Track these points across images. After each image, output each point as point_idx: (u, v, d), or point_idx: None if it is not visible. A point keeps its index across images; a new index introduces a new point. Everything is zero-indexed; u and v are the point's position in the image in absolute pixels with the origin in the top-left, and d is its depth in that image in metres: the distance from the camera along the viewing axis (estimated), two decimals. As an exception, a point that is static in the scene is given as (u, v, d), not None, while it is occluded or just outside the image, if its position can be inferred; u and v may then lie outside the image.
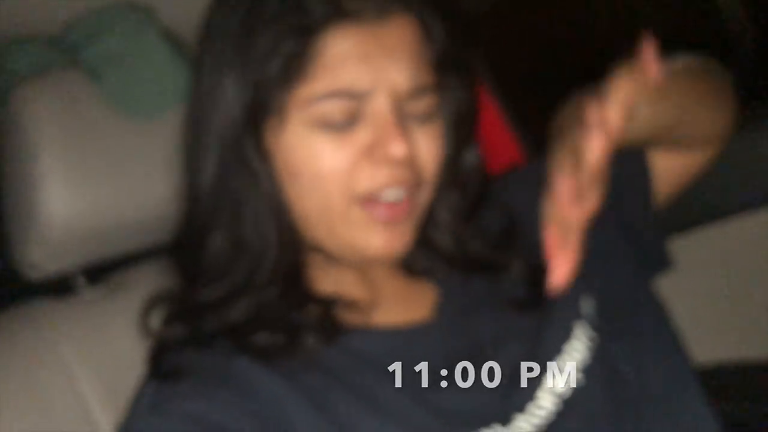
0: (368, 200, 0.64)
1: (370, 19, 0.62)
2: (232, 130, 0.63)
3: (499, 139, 1.18)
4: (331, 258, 0.68)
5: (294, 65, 0.61)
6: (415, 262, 0.75)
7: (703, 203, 1.02)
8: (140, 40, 0.87)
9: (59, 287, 0.90)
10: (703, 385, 0.75)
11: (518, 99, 1.21)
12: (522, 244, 0.75)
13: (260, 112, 0.63)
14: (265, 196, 0.64)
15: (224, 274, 0.65)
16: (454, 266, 0.75)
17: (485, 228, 0.75)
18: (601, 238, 0.77)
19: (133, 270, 0.92)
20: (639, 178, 0.79)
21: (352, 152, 0.63)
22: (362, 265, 0.71)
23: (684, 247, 0.93)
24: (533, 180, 0.82)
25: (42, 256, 0.82)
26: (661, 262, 0.84)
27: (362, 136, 0.63)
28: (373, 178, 0.63)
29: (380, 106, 0.62)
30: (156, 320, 0.70)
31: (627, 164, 0.78)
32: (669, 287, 0.85)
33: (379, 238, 0.65)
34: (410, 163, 0.64)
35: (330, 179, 0.63)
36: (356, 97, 0.62)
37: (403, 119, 0.63)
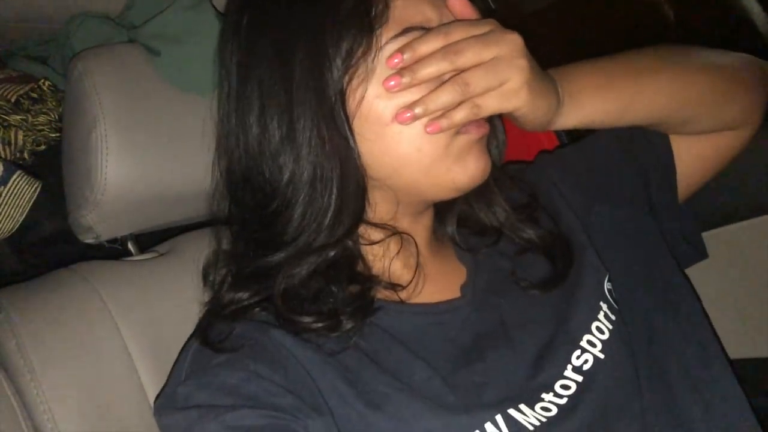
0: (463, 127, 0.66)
1: None
2: (323, 94, 0.63)
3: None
4: (407, 205, 0.70)
5: (372, 14, 0.63)
6: (447, 240, 0.78)
7: (741, 198, 1.01)
8: (196, 19, 0.89)
9: (110, 252, 0.94)
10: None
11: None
12: (546, 221, 0.77)
13: (347, 72, 0.63)
14: (351, 159, 0.64)
15: (296, 237, 0.65)
16: (483, 242, 0.76)
17: (512, 204, 0.77)
18: (622, 218, 0.79)
19: (180, 238, 0.95)
20: (663, 162, 0.80)
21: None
22: (430, 204, 0.73)
23: (717, 241, 0.92)
24: (560, 161, 0.84)
25: (96, 220, 0.86)
26: (692, 250, 0.84)
27: None
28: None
29: None
30: (198, 289, 0.72)
31: (653, 148, 0.80)
32: (701, 281, 0.85)
33: (475, 164, 0.67)
34: None
35: None
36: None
37: None
